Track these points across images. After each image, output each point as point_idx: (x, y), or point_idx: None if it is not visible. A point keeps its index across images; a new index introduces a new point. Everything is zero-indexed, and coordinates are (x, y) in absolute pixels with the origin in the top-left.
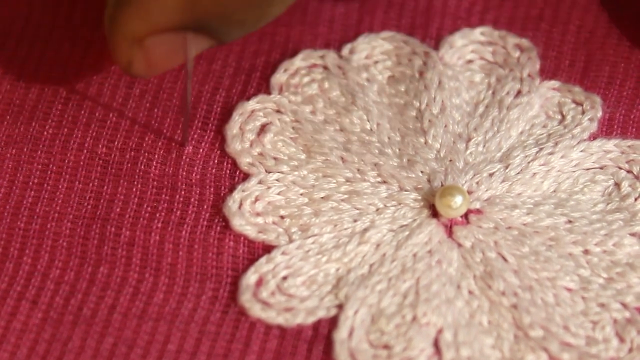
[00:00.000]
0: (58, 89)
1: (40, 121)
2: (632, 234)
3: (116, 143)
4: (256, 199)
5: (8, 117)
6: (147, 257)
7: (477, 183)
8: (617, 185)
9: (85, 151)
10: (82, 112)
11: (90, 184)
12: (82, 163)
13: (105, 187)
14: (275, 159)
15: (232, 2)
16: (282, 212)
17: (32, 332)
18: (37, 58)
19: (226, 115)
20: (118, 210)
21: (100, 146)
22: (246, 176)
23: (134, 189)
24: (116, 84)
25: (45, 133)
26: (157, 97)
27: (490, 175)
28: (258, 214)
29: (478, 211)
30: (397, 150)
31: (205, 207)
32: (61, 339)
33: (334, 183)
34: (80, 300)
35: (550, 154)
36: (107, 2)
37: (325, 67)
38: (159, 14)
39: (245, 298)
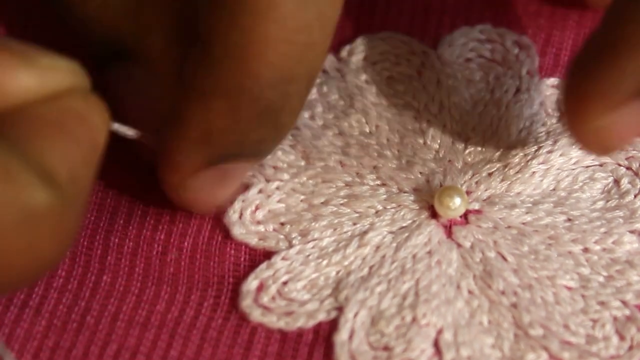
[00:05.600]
0: None
1: None
2: (632, 232)
3: None
4: (256, 208)
5: None
6: (149, 267)
7: (476, 183)
8: (617, 182)
9: None
10: None
11: (94, 196)
12: None
13: (109, 199)
14: (274, 167)
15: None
16: (283, 219)
17: (35, 339)
18: None
19: None
20: (122, 222)
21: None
22: (246, 186)
23: (137, 202)
24: None
25: None
26: None
27: (489, 174)
28: (259, 223)
29: (477, 211)
30: (396, 151)
31: (206, 217)
32: (64, 347)
33: (333, 188)
34: (84, 308)
35: (550, 152)
36: None
37: (324, 71)
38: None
39: (246, 303)
